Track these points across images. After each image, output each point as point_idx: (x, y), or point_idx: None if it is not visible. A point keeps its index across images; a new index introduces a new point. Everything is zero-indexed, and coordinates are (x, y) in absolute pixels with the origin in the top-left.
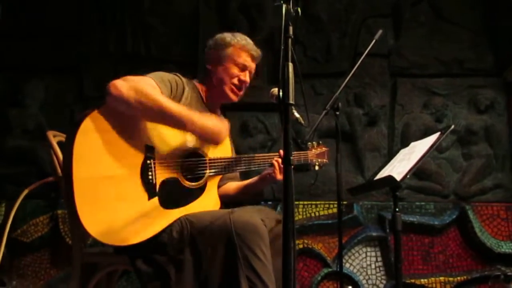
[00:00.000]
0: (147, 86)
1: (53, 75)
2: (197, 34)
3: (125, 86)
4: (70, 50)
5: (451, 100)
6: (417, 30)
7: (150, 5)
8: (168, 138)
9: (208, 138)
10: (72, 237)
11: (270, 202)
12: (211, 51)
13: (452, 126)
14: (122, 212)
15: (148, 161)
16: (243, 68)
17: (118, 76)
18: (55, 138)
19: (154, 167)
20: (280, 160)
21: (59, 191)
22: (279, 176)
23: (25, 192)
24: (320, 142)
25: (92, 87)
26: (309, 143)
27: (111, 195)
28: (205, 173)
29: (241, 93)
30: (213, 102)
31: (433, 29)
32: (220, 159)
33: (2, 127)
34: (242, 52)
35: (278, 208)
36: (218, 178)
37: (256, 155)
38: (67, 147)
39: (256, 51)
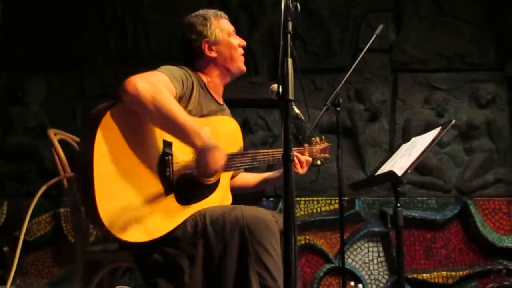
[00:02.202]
0: (165, 92)
1: (54, 73)
2: None
3: (144, 87)
4: (71, 48)
5: (453, 95)
6: (418, 25)
7: (151, 1)
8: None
9: (201, 162)
10: (74, 235)
11: (271, 199)
12: (204, 39)
13: (453, 121)
14: (141, 208)
15: (166, 157)
16: (234, 33)
17: (117, 73)
18: (56, 136)
19: (172, 163)
20: (300, 155)
21: (60, 189)
22: (301, 171)
23: (43, 188)
24: (323, 137)
25: (94, 84)
26: (312, 138)
27: (130, 191)
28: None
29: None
30: (217, 90)
31: (435, 24)
32: (234, 155)
33: (3, 125)
34: (222, 20)
35: (280, 205)
36: (230, 174)
37: (270, 150)
38: (87, 141)
39: (223, 12)
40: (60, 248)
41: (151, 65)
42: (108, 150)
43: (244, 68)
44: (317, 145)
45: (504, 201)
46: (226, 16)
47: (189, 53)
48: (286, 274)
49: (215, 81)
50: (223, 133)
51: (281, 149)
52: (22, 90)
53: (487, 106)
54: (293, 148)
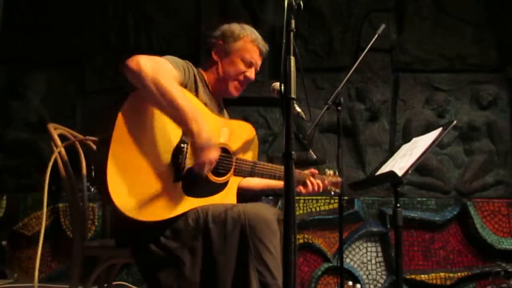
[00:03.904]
0: (167, 72)
1: (55, 68)
2: (199, 27)
3: (147, 65)
4: (72, 44)
5: (454, 95)
6: (420, 25)
7: None
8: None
9: (197, 147)
10: (73, 230)
11: (271, 197)
12: (219, 41)
13: (454, 122)
14: (147, 186)
15: (182, 145)
16: (250, 64)
17: (117, 69)
18: (56, 130)
19: (186, 152)
20: (315, 182)
21: (60, 184)
22: (304, 191)
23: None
24: (337, 172)
25: (94, 80)
26: (326, 170)
27: (141, 168)
28: (229, 171)
29: (243, 89)
30: (217, 90)
31: (436, 24)
32: (246, 161)
33: (3, 120)
34: (251, 47)
35: (279, 203)
36: (239, 179)
37: (280, 167)
38: (112, 112)
39: (265, 46)
40: (58, 243)
41: None
42: (129, 124)
43: (234, 94)
44: (330, 177)
45: (503, 203)
46: (263, 51)
47: (207, 45)
48: (285, 273)
49: (211, 81)
50: (240, 138)
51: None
52: (23, 85)
53: (488, 107)
54: (299, 171)
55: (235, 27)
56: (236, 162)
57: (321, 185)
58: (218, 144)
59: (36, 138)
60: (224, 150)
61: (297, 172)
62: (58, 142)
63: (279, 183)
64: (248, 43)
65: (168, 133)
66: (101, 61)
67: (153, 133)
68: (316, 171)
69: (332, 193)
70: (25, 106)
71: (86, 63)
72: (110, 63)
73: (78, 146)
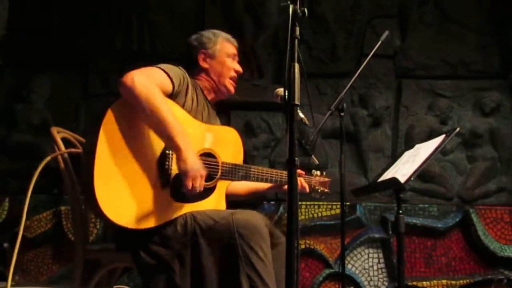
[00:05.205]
0: (159, 93)
1: (59, 72)
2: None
3: (141, 83)
4: (76, 47)
5: (456, 102)
6: (423, 31)
7: (156, 2)
8: (188, 133)
9: (184, 165)
10: (74, 233)
11: (272, 202)
12: (201, 50)
13: (458, 129)
14: (135, 194)
15: (167, 151)
16: (234, 57)
17: (121, 73)
18: (59, 134)
19: (171, 158)
20: (302, 180)
21: (62, 187)
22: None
23: (43, 163)
24: (324, 172)
25: (98, 84)
26: (313, 171)
27: (128, 176)
28: (216, 175)
29: (235, 84)
30: (210, 95)
31: (440, 30)
32: (233, 165)
33: (7, 122)
34: (228, 44)
35: (281, 209)
36: (227, 183)
37: (268, 169)
38: (96, 122)
39: (235, 41)
40: (60, 246)
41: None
42: (113, 133)
43: (231, 90)
44: (317, 177)
45: (506, 211)
46: (236, 44)
47: (190, 58)
48: (288, 278)
49: (206, 87)
50: (225, 142)
51: (280, 172)
52: (27, 88)
53: (491, 114)
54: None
55: (207, 33)
56: (222, 166)
57: (303, 183)
58: (203, 149)
59: (39, 141)
60: (210, 155)
61: (279, 172)
62: (61, 146)
63: (265, 186)
64: (225, 42)
65: (152, 140)
66: (105, 64)
67: (137, 141)
68: (303, 172)
69: (319, 191)
70: (29, 109)
71: (90, 66)
72: (114, 67)
73: (81, 150)
